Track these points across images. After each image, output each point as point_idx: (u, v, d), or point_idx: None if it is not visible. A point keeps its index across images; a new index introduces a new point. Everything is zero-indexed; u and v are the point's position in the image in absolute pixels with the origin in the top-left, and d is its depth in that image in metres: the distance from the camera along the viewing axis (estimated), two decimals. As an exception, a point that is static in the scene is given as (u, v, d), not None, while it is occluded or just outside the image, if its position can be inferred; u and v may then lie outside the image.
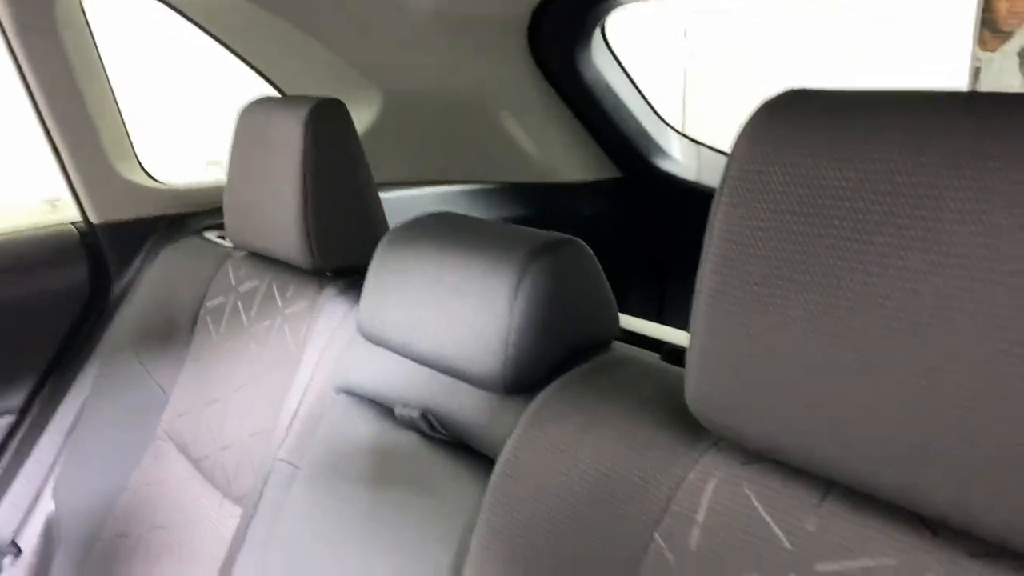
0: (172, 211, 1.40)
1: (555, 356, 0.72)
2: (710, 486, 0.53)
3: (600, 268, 0.76)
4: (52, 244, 1.30)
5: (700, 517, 0.52)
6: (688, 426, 0.57)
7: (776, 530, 0.49)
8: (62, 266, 1.31)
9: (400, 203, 1.52)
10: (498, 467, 0.63)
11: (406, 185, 1.60)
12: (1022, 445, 0.37)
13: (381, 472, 0.77)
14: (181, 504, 1.05)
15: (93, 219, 1.33)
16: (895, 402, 0.41)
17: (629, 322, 0.87)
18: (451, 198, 1.62)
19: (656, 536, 0.54)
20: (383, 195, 1.10)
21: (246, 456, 0.99)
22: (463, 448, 0.75)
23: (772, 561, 0.48)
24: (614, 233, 1.75)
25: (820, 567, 0.47)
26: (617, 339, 0.80)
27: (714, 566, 0.51)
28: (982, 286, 0.37)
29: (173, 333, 1.18)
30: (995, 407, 0.37)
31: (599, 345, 0.76)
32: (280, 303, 1.04)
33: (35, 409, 1.29)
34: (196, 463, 1.06)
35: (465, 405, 0.75)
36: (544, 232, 0.75)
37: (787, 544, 0.48)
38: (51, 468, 1.25)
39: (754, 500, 0.50)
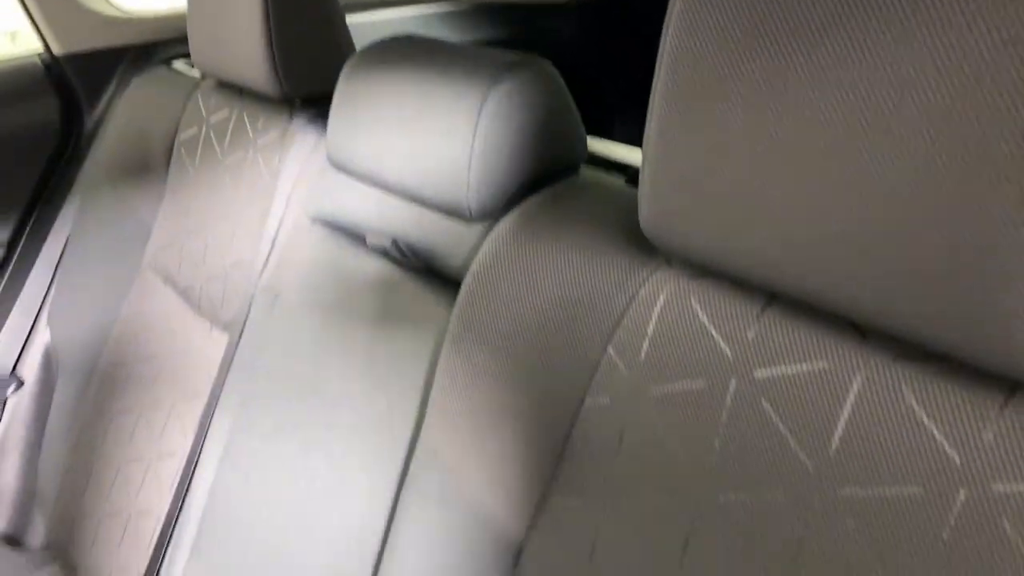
0: (138, 40, 1.36)
1: (519, 182, 0.72)
2: (660, 301, 0.55)
3: (567, 90, 0.75)
4: (18, 77, 1.27)
5: (650, 330, 0.55)
6: (643, 245, 0.59)
7: (719, 340, 0.51)
8: (31, 100, 1.29)
9: (368, 28, 1.47)
10: (462, 289, 0.66)
11: (373, 7, 1.54)
12: (943, 253, 0.38)
13: (355, 298, 0.80)
14: (171, 333, 1.09)
15: (56, 50, 1.29)
16: (831, 212, 0.42)
17: (598, 146, 0.87)
18: (422, 21, 1.56)
19: (609, 349, 0.57)
20: (349, 19, 1.07)
21: (231, 285, 1.01)
22: (432, 274, 0.77)
23: (715, 369, 0.51)
24: (596, 56, 1.71)
25: (758, 373, 0.49)
26: (586, 163, 0.80)
27: (662, 374, 0.54)
28: (915, 101, 0.38)
29: (149, 166, 1.18)
30: (920, 217, 0.39)
31: (565, 170, 0.76)
32: (251, 134, 1.04)
33: (23, 243, 1.31)
34: (183, 293, 1.09)
35: (433, 232, 0.76)
36: (508, 53, 0.73)
37: (728, 353, 0.51)
38: (44, 301, 1.29)
39: (700, 313, 0.53)
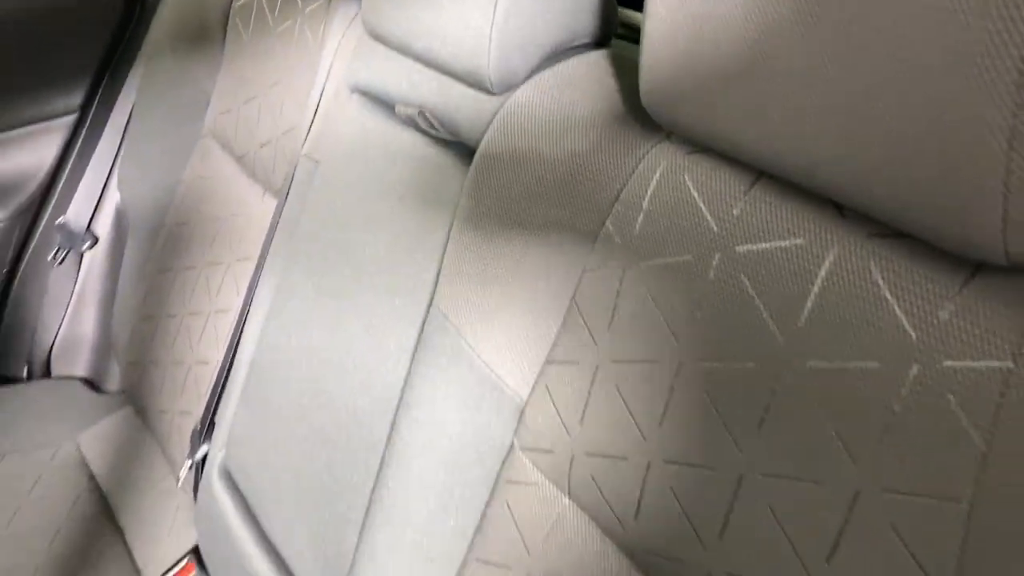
0: None
1: (543, 54, 0.72)
2: (656, 176, 0.56)
3: None
4: None
5: (645, 204, 0.56)
6: (648, 121, 0.59)
7: (707, 215, 0.53)
8: None
9: None
10: (474, 161, 0.67)
11: None
12: (916, 137, 0.39)
13: (385, 167, 0.82)
14: (228, 197, 1.14)
15: None
16: (816, 92, 0.42)
17: (634, 17, 0.85)
18: None
19: (608, 222, 0.58)
20: None
21: (280, 153, 1.05)
22: (456, 144, 0.78)
23: (700, 243, 0.53)
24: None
25: (740, 248, 0.51)
26: (616, 36, 0.79)
27: (653, 247, 0.55)
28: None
29: (207, 34, 1.21)
30: (898, 101, 0.39)
31: (594, 43, 0.76)
32: (300, 2, 1.05)
33: (93, 108, 1.37)
34: (239, 160, 1.14)
35: (459, 104, 0.78)
36: None
37: (715, 228, 0.52)
38: (113, 163, 1.36)
39: (691, 188, 0.54)
